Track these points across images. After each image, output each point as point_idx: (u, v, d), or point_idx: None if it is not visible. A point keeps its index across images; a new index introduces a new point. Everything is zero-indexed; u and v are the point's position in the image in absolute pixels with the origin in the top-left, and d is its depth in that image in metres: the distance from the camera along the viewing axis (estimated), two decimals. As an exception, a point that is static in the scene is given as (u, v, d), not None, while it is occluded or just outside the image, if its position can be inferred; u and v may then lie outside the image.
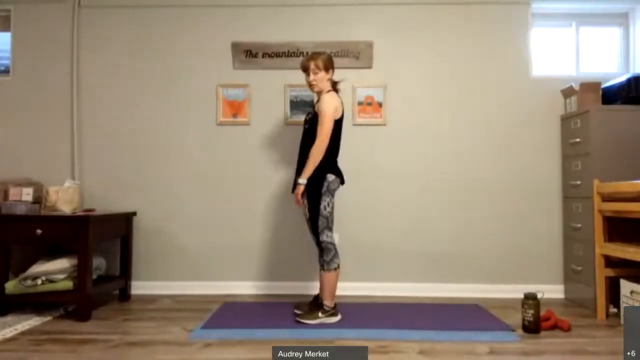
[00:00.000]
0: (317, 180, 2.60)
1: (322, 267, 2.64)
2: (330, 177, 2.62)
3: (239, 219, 3.41)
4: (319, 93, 2.71)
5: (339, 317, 2.65)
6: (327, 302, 2.62)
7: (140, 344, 2.30)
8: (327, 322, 2.59)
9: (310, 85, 2.70)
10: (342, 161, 2.82)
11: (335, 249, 2.65)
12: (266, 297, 3.26)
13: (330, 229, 2.64)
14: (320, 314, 2.60)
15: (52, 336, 2.41)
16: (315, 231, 2.64)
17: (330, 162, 2.66)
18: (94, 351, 2.19)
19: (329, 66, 2.69)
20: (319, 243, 2.65)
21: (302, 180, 2.59)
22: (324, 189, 2.60)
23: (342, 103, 2.70)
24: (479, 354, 2.16)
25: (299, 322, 2.59)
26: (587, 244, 2.97)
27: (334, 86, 2.77)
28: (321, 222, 2.61)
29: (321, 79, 2.67)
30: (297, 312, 2.74)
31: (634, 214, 2.54)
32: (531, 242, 3.34)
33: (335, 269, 2.63)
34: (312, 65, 2.65)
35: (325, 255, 2.62)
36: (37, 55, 3.47)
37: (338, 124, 2.67)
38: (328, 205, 2.62)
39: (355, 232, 3.37)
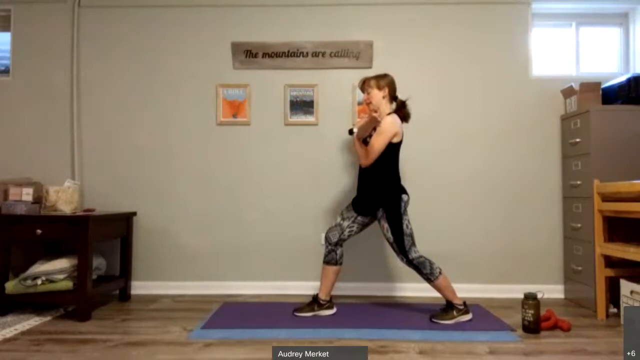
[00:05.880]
0: (395, 203, 2.64)
1: (429, 280, 2.66)
2: (405, 197, 2.69)
3: (238, 219, 3.41)
4: (380, 113, 2.71)
5: (334, 311, 2.80)
6: (457, 301, 2.65)
7: (140, 344, 2.30)
8: (463, 320, 2.64)
9: (367, 105, 2.75)
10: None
11: (427, 258, 2.68)
12: (266, 297, 3.26)
13: (414, 244, 2.66)
14: (455, 313, 2.63)
15: (52, 336, 2.41)
16: (402, 251, 2.64)
17: (399, 184, 2.70)
18: (94, 351, 2.19)
19: (381, 84, 2.70)
20: (410, 262, 2.64)
21: (356, 129, 2.75)
22: (402, 209, 2.65)
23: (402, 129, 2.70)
24: (479, 354, 2.16)
25: (435, 322, 2.62)
26: (587, 244, 2.97)
27: (402, 106, 2.74)
28: (407, 241, 2.63)
29: (374, 96, 2.70)
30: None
31: (634, 214, 2.54)
32: (531, 242, 3.35)
33: (439, 274, 2.64)
34: (364, 85, 2.75)
35: (424, 269, 2.64)
36: (37, 55, 3.47)
37: (396, 148, 2.68)
38: (408, 223, 2.66)
39: (355, 232, 3.36)
